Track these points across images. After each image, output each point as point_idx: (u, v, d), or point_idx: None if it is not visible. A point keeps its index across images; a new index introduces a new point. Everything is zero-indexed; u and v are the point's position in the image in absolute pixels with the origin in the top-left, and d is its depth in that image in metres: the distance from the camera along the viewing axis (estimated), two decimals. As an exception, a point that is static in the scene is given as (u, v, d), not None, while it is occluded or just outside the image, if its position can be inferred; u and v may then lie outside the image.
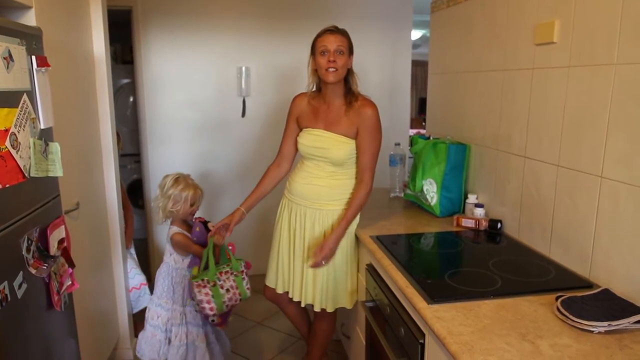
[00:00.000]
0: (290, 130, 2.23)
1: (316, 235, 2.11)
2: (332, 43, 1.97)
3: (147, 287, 2.85)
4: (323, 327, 2.30)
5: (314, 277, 2.12)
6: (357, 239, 2.12)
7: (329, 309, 2.16)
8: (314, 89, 2.15)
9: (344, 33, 2.02)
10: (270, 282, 2.29)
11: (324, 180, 2.08)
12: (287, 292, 2.23)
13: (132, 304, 2.79)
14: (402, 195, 2.63)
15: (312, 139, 2.08)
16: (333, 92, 2.06)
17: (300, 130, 2.18)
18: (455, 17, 2.46)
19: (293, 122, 2.21)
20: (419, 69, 7.77)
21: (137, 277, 2.81)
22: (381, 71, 3.94)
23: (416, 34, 6.60)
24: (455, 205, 2.30)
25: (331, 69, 1.97)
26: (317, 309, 2.15)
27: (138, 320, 2.95)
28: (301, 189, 2.12)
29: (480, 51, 2.21)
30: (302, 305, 2.20)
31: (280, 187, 2.32)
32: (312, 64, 2.07)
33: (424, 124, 3.06)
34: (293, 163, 2.28)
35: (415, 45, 5.30)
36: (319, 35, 2.03)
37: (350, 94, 2.06)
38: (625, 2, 1.38)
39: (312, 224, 2.11)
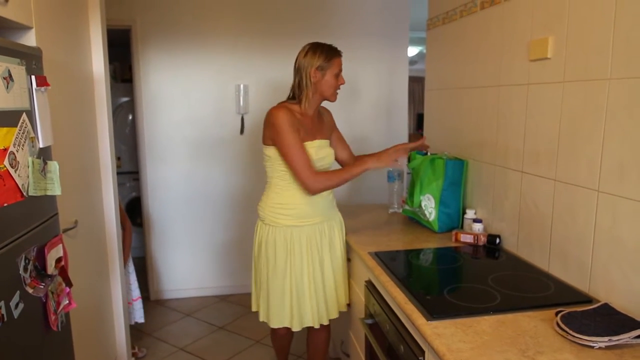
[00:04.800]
0: (301, 143, 2.03)
1: (336, 245, 2.18)
2: (341, 67, 2.10)
3: (140, 301, 2.89)
4: (325, 336, 2.34)
5: (329, 288, 2.17)
6: (350, 247, 2.14)
7: (336, 315, 2.23)
8: (290, 99, 2.12)
9: None
10: (284, 322, 2.14)
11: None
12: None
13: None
14: (401, 211, 2.63)
15: (316, 151, 2.09)
16: (318, 106, 2.17)
17: None
18: (450, 34, 2.49)
19: (298, 135, 2.04)
20: (416, 85, 7.81)
21: (135, 291, 2.87)
22: (379, 88, 3.98)
23: (413, 51, 6.67)
24: (454, 220, 2.30)
25: (338, 90, 2.12)
26: (334, 316, 2.22)
27: (143, 330, 2.95)
28: (311, 207, 2.11)
29: (475, 67, 2.23)
30: (326, 322, 2.21)
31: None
32: (315, 76, 2.04)
33: (421, 139, 3.06)
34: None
35: (412, 61, 5.35)
36: (335, 55, 2.06)
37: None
38: (617, 18, 1.40)
39: (330, 237, 2.17)
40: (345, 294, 2.24)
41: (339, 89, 2.12)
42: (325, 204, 2.17)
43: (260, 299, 2.21)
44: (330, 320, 2.24)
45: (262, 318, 2.21)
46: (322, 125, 2.20)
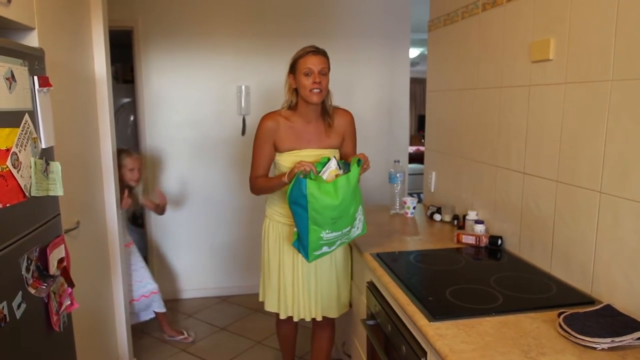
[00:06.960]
0: (267, 154, 2.10)
1: None
2: (316, 65, 2.00)
3: (158, 295, 2.97)
4: (329, 336, 2.35)
5: (324, 287, 2.18)
6: (352, 248, 2.14)
7: (333, 314, 2.24)
8: (287, 107, 2.12)
9: (325, 54, 2.06)
10: (275, 308, 2.24)
11: None
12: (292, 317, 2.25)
13: (139, 314, 2.95)
14: (405, 213, 2.63)
15: (301, 160, 2.05)
16: (314, 110, 2.10)
17: (278, 152, 2.11)
18: (452, 36, 2.49)
19: (270, 146, 2.10)
20: (418, 86, 7.82)
21: (148, 286, 2.93)
22: (380, 89, 3.98)
23: (414, 52, 6.67)
24: (302, 243, 1.92)
25: (316, 90, 2.00)
26: (331, 315, 2.23)
27: (144, 330, 2.99)
28: None
29: (477, 69, 2.23)
30: (319, 318, 2.22)
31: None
32: (290, 83, 2.08)
33: (423, 141, 3.07)
34: None
35: (414, 63, 5.37)
36: (300, 56, 2.03)
37: (325, 110, 2.13)
38: (619, 19, 1.40)
39: None
40: (346, 295, 2.24)
41: (316, 88, 1.98)
42: None
43: (261, 284, 2.32)
44: (334, 320, 2.23)
45: (261, 298, 2.31)
46: (326, 132, 2.12)
